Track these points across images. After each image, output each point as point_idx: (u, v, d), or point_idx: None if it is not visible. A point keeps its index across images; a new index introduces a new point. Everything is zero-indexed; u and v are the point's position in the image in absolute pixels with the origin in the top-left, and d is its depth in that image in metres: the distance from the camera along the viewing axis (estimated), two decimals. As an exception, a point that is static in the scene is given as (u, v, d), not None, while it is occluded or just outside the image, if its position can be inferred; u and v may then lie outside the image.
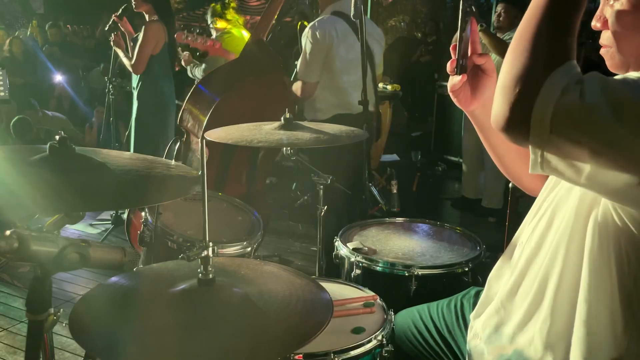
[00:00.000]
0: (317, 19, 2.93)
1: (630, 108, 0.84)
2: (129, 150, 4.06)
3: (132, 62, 3.85)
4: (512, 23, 4.11)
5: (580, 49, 7.09)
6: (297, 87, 2.94)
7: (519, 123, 0.87)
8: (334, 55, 2.83)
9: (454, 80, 1.24)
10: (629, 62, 1.06)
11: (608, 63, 1.09)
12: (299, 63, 2.90)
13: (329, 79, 2.88)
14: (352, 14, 2.48)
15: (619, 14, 1.03)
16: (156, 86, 3.94)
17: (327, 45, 2.82)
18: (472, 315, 1.37)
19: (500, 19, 4.20)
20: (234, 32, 4.40)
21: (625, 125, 0.83)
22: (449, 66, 1.22)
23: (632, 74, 0.96)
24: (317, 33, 2.80)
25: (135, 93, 4.02)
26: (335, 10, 2.88)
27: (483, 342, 1.28)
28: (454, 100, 1.28)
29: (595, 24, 1.10)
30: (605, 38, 1.08)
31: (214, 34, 4.48)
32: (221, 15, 4.37)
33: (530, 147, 0.89)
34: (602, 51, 1.10)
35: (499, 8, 4.22)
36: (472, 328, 1.35)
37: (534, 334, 1.14)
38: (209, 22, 4.48)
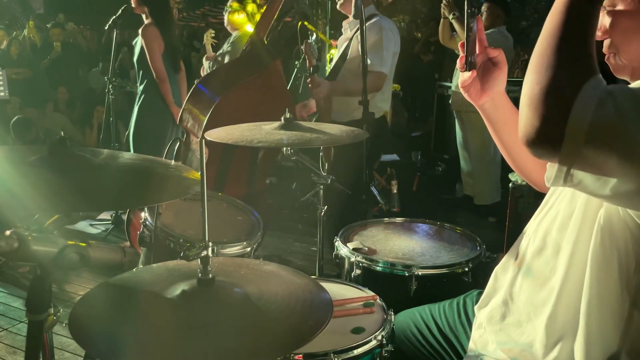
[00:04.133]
0: (377, 17, 2.99)
1: None
2: (128, 151, 4.05)
3: (154, 74, 3.83)
4: (494, 22, 4.36)
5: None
6: (375, 78, 2.91)
7: (552, 135, 0.87)
8: (396, 51, 3.03)
9: (465, 77, 1.28)
10: (632, 66, 1.09)
11: (612, 68, 1.12)
12: (370, 55, 2.87)
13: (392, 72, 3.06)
14: (352, 14, 2.49)
15: (614, 21, 1.07)
16: (157, 89, 3.91)
17: (396, 39, 3.01)
18: (476, 307, 1.38)
19: (483, 17, 4.40)
20: (242, 35, 4.37)
21: None
22: (459, 63, 1.25)
23: None
24: (388, 27, 2.97)
25: (139, 94, 4.01)
26: (373, 12, 3.00)
27: (488, 332, 1.28)
28: (465, 95, 1.32)
29: (597, 34, 1.12)
30: (607, 46, 1.11)
31: (232, 34, 4.44)
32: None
33: (558, 160, 0.89)
34: (606, 59, 1.13)
35: (484, 7, 4.42)
36: (476, 319, 1.36)
37: (539, 327, 1.15)
38: (226, 13, 4.41)
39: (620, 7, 1.06)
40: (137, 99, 4.02)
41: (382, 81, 2.94)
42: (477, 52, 1.26)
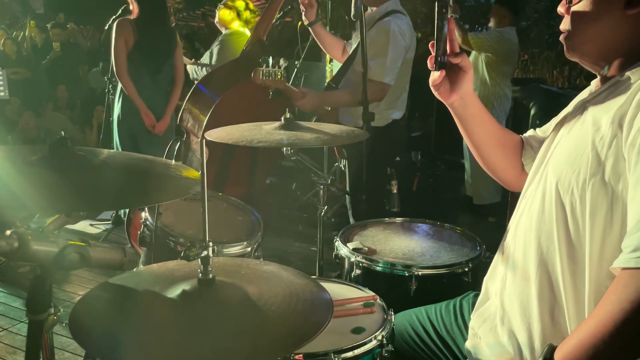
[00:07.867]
0: (392, 16, 2.73)
1: None
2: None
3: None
4: (499, 22, 4.35)
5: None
6: (375, 88, 2.68)
7: None
8: (409, 57, 2.80)
9: (434, 76, 1.32)
10: (583, 50, 1.13)
11: (565, 48, 1.16)
12: (373, 63, 2.67)
13: (403, 81, 2.85)
14: (352, 14, 2.47)
15: (576, 4, 1.11)
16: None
17: (408, 44, 2.75)
18: (471, 316, 1.38)
19: (489, 16, 4.48)
20: (230, 34, 4.35)
21: None
22: (429, 62, 1.28)
23: None
24: (399, 30, 2.69)
25: (117, 93, 4.00)
26: (393, 8, 2.78)
27: (482, 340, 1.29)
28: (435, 93, 1.35)
29: (560, 9, 1.16)
30: (565, 23, 1.15)
31: (222, 30, 4.41)
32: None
33: None
34: (561, 37, 1.17)
35: (493, 7, 4.47)
36: (471, 328, 1.36)
37: (529, 328, 1.16)
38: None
39: None
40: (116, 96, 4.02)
41: (381, 91, 2.73)
42: (448, 52, 1.29)
